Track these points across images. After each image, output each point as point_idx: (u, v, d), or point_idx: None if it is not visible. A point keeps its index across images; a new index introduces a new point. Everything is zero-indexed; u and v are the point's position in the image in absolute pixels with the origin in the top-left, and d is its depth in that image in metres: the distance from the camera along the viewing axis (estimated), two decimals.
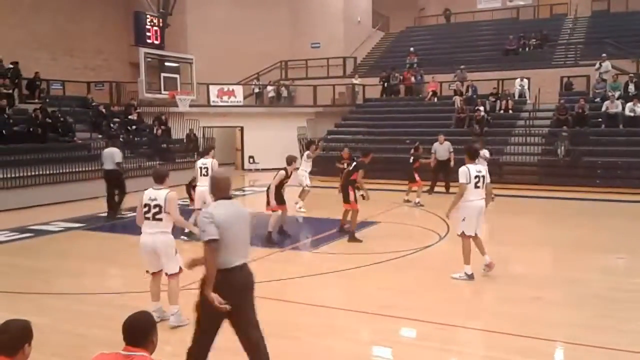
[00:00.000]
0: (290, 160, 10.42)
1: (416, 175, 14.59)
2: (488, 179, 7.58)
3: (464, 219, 7.50)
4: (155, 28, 22.20)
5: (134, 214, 6.18)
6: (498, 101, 21.28)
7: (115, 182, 12.93)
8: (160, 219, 5.86)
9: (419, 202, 14.20)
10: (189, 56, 23.28)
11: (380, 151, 17.32)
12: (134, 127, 20.13)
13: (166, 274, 5.98)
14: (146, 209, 5.90)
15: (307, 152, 14.58)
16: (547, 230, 11.68)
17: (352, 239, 10.02)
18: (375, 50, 31.50)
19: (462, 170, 7.48)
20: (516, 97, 21.82)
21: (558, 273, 8.31)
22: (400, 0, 36.61)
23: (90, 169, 16.40)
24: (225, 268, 4.14)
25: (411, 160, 14.89)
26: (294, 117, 24.61)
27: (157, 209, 5.87)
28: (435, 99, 23.32)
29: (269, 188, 10.10)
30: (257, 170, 23.47)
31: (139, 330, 3.07)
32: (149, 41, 21.84)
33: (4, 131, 15.72)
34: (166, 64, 22.20)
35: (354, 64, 28.64)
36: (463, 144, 18.94)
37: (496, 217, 13.22)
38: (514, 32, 26.86)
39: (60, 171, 15.52)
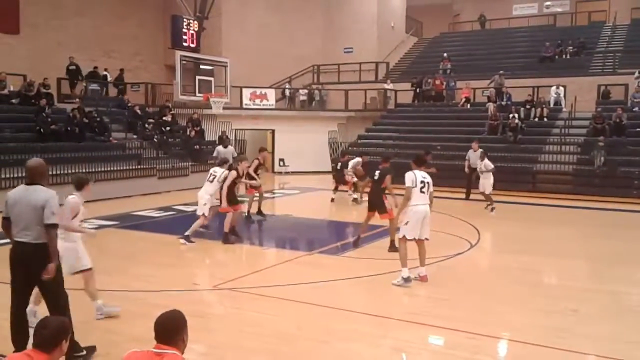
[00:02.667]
0: (241, 159, 10.96)
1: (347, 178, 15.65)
2: (431, 187, 7.68)
3: (406, 223, 7.55)
4: (191, 31, 22.54)
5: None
6: (533, 109, 20.94)
7: None
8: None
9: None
10: (224, 59, 23.56)
11: (412, 157, 17.17)
12: (167, 128, 20.43)
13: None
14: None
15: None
16: (582, 241, 11.43)
17: (393, 248, 9.17)
18: (408, 55, 31.39)
19: (408, 174, 7.57)
20: (551, 105, 21.45)
21: (594, 285, 8.11)
22: (435, 5, 36.44)
23: (124, 168, 16.73)
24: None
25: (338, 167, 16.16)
26: (325, 121, 24.66)
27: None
28: (468, 106, 23.08)
29: (221, 189, 10.21)
30: (287, 173, 23.59)
31: (171, 328, 3.11)
32: (185, 44, 22.19)
33: (42, 129, 16.14)
34: (201, 66, 22.51)
35: (386, 69, 28.56)
36: (496, 151, 19.00)
37: (530, 226, 13.02)
38: (550, 39, 26.43)
39: (96, 170, 15.85)
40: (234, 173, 10.24)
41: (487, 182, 14.31)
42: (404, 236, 7.59)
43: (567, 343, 5.58)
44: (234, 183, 10.28)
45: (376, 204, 9.71)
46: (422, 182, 7.53)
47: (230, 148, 16.29)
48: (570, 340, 5.67)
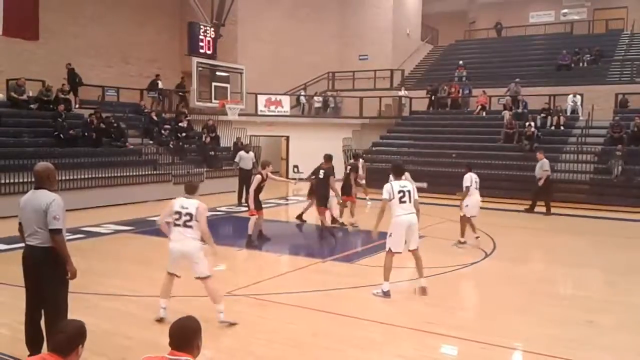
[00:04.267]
0: (265, 164, 10.96)
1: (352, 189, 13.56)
2: (416, 195, 7.47)
3: (390, 235, 7.37)
4: (208, 38, 22.72)
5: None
6: (549, 117, 20.79)
7: (248, 181, 13.92)
8: (191, 227, 6.14)
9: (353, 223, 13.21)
10: (240, 66, 23.70)
11: (426, 164, 17.19)
12: (183, 134, 20.60)
13: (198, 277, 6.25)
14: (177, 216, 6.19)
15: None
16: (599, 251, 11.30)
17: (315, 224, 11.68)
18: (423, 63, 31.37)
19: (385, 186, 7.42)
20: (568, 114, 21.28)
21: (611, 296, 8.01)
22: (450, 13, 36.40)
23: (140, 173, 16.87)
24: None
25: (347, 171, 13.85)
26: (340, 128, 24.68)
27: (187, 217, 6.15)
28: (484, 113, 22.98)
29: (247, 193, 10.76)
30: (300, 179, 23.58)
31: (185, 334, 3.13)
32: (201, 51, 22.36)
33: (60, 135, 16.35)
34: (217, 73, 22.67)
35: (401, 77, 28.55)
36: (512, 160, 18.88)
37: (545, 236, 12.90)
38: (567, 47, 26.26)
39: (112, 175, 16.01)
40: (259, 177, 10.52)
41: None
42: (389, 249, 7.40)
43: (581, 355, 5.52)
44: (259, 187, 10.54)
45: (320, 198, 11.67)
46: (400, 191, 7.27)
47: (252, 153, 16.93)
48: (585, 351, 5.61)
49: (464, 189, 10.81)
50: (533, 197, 15.73)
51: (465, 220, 10.85)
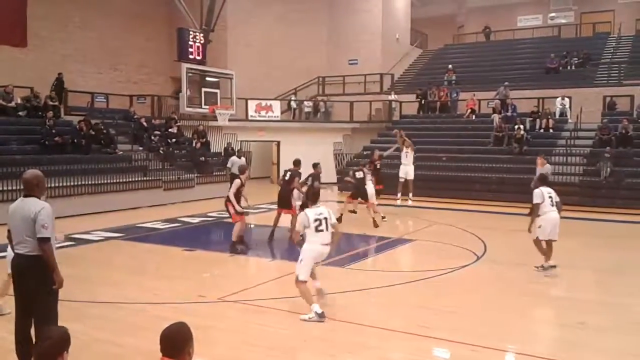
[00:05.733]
0: (243, 169, 10.89)
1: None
2: (334, 220, 6.98)
3: (301, 261, 6.92)
4: (197, 44, 22.67)
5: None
6: (538, 120, 20.92)
7: None
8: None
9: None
10: (229, 72, 23.67)
11: (417, 168, 17.18)
12: (173, 140, 20.52)
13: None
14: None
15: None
16: (589, 252, 11.36)
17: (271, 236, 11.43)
18: (412, 67, 31.48)
19: (300, 216, 7.05)
20: (557, 116, 21.42)
21: (601, 297, 8.05)
22: (439, 17, 36.57)
23: (130, 179, 16.78)
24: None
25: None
26: (330, 132, 24.69)
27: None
28: (474, 117, 23.09)
29: (227, 199, 10.44)
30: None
31: (176, 341, 3.10)
32: (191, 57, 22.30)
33: (46, 142, 16.19)
34: (207, 78, 22.61)
35: (391, 81, 28.64)
36: (501, 162, 18.97)
37: None
38: (555, 50, 26.45)
39: (102, 182, 15.90)
40: (238, 182, 10.44)
41: None
42: (297, 277, 6.85)
43: (574, 356, 5.54)
44: (239, 192, 10.45)
45: (283, 200, 11.55)
46: (317, 220, 6.81)
47: (243, 159, 16.91)
48: (577, 353, 5.63)
49: (534, 206, 9.15)
50: None
51: (539, 244, 9.13)
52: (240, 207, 10.50)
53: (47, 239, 4.64)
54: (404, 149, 15.69)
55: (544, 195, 8.99)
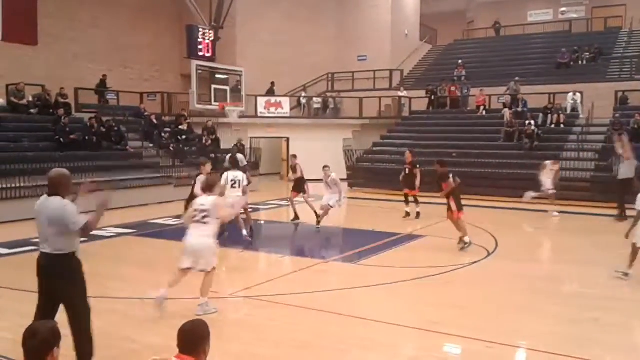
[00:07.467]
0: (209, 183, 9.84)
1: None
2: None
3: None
4: (207, 41, 22.73)
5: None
6: (549, 115, 20.79)
7: None
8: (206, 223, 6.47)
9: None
10: (239, 68, 23.72)
11: (427, 164, 17.09)
12: (183, 137, 20.59)
13: (203, 270, 6.54)
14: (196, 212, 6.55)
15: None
16: (602, 248, 11.27)
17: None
18: (422, 63, 31.38)
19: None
20: (568, 112, 21.28)
21: (615, 294, 7.98)
22: (449, 13, 36.43)
23: (141, 176, 16.87)
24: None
25: None
26: (340, 128, 24.69)
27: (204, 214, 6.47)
28: (484, 112, 22.98)
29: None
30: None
31: (195, 338, 3.10)
32: (200, 54, 22.38)
33: (61, 139, 16.34)
34: (216, 75, 22.68)
35: (400, 77, 28.55)
36: (512, 158, 18.85)
37: (547, 234, 12.89)
38: (566, 45, 26.25)
39: (113, 178, 15.98)
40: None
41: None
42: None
43: (588, 352, 5.50)
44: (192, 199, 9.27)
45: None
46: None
47: (241, 155, 16.56)
48: (590, 349, 5.59)
49: (637, 212, 8.48)
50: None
51: (637, 251, 8.39)
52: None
53: (82, 227, 4.62)
54: None
55: None
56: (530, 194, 14.77)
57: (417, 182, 13.89)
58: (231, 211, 7.04)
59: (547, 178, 14.80)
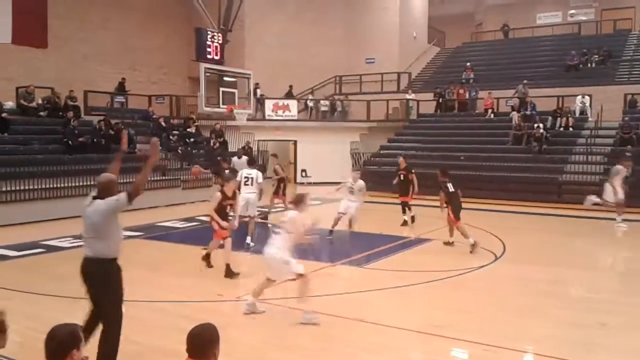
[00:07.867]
0: (228, 179, 9.28)
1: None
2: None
3: None
4: (215, 44, 22.81)
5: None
6: (558, 118, 20.69)
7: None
8: None
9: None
10: (247, 71, 23.78)
11: (434, 167, 17.07)
12: (192, 139, 20.66)
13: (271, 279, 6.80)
14: None
15: None
16: (609, 252, 11.22)
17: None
18: (430, 65, 31.33)
19: None
20: (577, 115, 21.17)
21: (622, 298, 7.94)
22: (457, 15, 36.35)
23: (149, 179, 16.86)
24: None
25: None
26: (347, 131, 24.68)
27: None
28: (492, 115, 22.91)
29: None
30: (308, 183, 23.62)
31: (204, 342, 3.10)
32: (209, 56, 22.46)
33: (70, 141, 16.43)
34: (225, 78, 22.75)
35: (408, 80, 28.53)
36: (521, 161, 18.78)
37: (555, 238, 12.81)
38: (575, 47, 26.15)
39: (122, 181, 16.01)
40: (218, 195, 8.94)
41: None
42: None
43: (594, 357, 5.48)
44: (222, 207, 8.90)
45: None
46: None
47: (244, 159, 15.93)
48: (596, 354, 5.56)
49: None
50: None
51: None
52: (227, 222, 8.87)
53: (128, 191, 4.71)
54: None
55: None
56: (592, 199, 13.63)
57: (415, 188, 13.67)
58: (304, 237, 6.80)
59: (619, 186, 13.49)
